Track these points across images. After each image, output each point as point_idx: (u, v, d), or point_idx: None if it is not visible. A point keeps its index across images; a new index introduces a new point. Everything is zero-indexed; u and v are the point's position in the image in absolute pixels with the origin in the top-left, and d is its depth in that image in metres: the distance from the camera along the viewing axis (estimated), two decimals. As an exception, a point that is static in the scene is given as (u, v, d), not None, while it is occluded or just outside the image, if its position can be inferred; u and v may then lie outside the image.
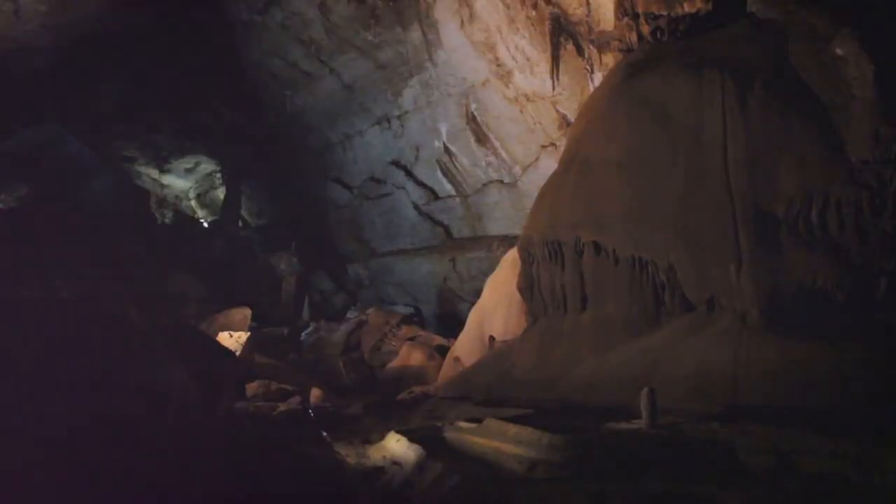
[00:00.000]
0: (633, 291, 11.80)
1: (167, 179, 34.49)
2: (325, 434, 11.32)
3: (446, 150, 24.10)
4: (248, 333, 20.43)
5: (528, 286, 13.96)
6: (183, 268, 26.31)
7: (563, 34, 17.88)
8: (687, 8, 13.29)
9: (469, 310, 19.74)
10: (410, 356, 20.66)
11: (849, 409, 8.65)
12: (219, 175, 34.46)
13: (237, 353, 17.13)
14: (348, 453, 9.89)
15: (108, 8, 23.27)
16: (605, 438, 8.10)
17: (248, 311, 23.36)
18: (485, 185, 23.77)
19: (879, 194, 10.29)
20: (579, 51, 17.75)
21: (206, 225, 34.15)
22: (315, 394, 16.80)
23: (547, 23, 17.92)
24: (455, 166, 24.18)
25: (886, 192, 10.32)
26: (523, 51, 19.30)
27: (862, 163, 10.49)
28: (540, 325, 13.56)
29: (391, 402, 15.28)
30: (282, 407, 14.69)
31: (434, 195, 25.86)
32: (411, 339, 22.33)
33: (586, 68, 17.76)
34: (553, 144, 20.35)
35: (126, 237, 25.07)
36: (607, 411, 9.56)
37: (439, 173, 24.99)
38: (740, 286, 10.52)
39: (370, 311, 25.07)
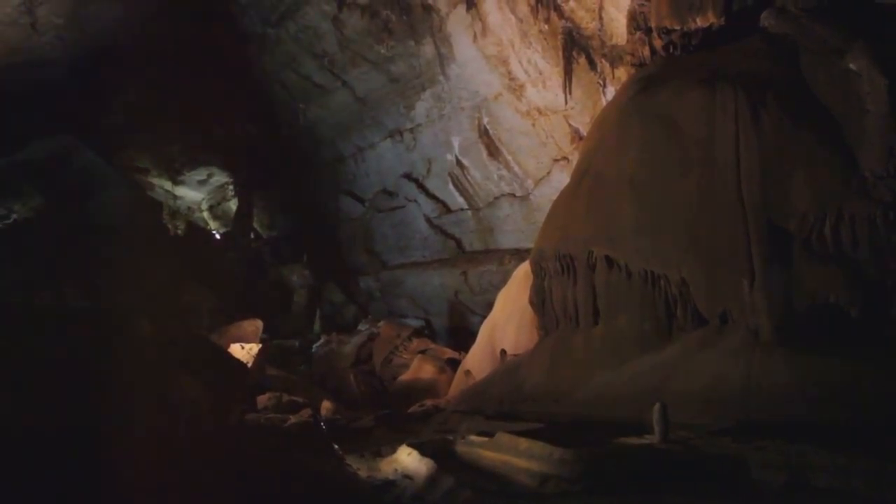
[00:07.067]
0: (644, 306, 11.76)
1: (180, 191, 34.55)
2: (336, 447, 11.30)
3: (458, 163, 24.15)
4: (260, 345, 20.43)
5: (539, 300, 13.94)
6: (195, 279, 26.36)
7: (575, 48, 17.96)
8: (699, 22, 13.30)
9: (480, 323, 19.74)
10: (421, 369, 20.64)
11: (862, 425, 8.59)
12: (231, 187, 34.52)
13: (249, 365, 17.14)
14: (359, 466, 9.88)
15: (123, 20, 23.46)
16: (617, 453, 8.07)
17: (259, 323, 23.36)
18: (497, 198, 23.80)
19: (894, 208, 10.23)
20: (592, 65, 17.80)
21: (218, 237, 34.18)
22: (326, 406, 16.80)
23: (559, 37, 18.00)
24: (467, 179, 24.22)
25: (901, 206, 10.27)
26: (536, 64, 19.37)
27: (876, 177, 10.45)
28: (551, 339, 13.53)
29: (402, 415, 15.26)
30: (293, 419, 14.67)
31: (446, 208, 25.90)
32: (422, 351, 22.31)
33: (599, 82, 17.81)
34: (565, 158, 20.39)
35: (138, 248, 25.13)
36: (619, 426, 9.52)
37: (451, 186, 25.04)
38: (753, 301, 10.47)
39: (381, 323, 25.05)
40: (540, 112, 20.43)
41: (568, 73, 18.22)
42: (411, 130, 25.40)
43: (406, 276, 28.38)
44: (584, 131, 18.78)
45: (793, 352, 9.89)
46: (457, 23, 20.84)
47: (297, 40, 25.54)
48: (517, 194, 23.07)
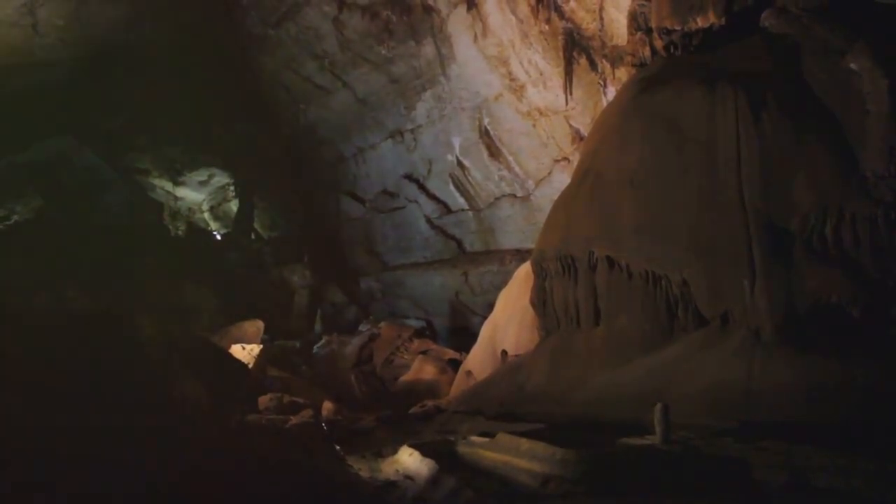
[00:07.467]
0: (646, 306, 11.75)
1: (181, 192, 34.61)
2: (337, 447, 11.30)
3: (459, 163, 24.15)
4: (261, 346, 20.44)
5: (540, 300, 13.94)
6: (196, 280, 26.37)
7: (576, 49, 17.95)
8: (700, 23, 13.29)
9: (481, 323, 19.72)
10: (422, 370, 20.64)
11: (864, 426, 8.59)
12: (232, 188, 34.57)
13: (250, 366, 17.15)
14: (361, 467, 9.87)
15: (124, 22, 23.48)
16: (619, 454, 8.06)
17: (260, 324, 23.38)
18: (497, 198, 23.80)
19: (894, 208, 10.23)
20: (592, 65, 17.79)
21: (218, 237, 34.22)
22: (327, 407, 16.79)
23: (560, 37, 17.99)
24: (468, 180, 24.22)
25: (902, 206, 10.26)
26: (536, 65, 19.36)
27: (877, 177, 10.45)
28: (553, 340, 13.53)
29: (403, 415, 15.24)
30: (294, 420, 14.67)
31: (447, 209, 25.90)
32: (423, 352, 22.30)
33: (599, 83, 17.80)
34: (566, 159, 20.38)
35: (139, 249, 25.16)
36: (620, 427, 9.51)
37: (452, 187, 25.04)
38: (754, 301, 10.47)
39: (382, 324, 25.04)
40: (541, 112, 20.42)
41: (568, 74, 18.21)
42: (412, 131, 25.41)
43: (407, 277, 28.38)
44: (584, 132, 18.77)
45: (794, 352, 9.89)
46: (457, 23, 20.85)
47: (298, 41, 25.54)
48: (518, 195, 23.07)
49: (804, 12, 12.21)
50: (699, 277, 11.07)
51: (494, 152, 22.75)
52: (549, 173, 21.43)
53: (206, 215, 36.21)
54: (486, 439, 9.09)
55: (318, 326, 27.49)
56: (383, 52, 23.66)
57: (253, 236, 33.71)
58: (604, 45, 17.42)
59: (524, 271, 17.10)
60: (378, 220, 29.08)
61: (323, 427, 14.13)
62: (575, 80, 18.30)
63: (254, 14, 25.66)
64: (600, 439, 8.79)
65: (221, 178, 34.36)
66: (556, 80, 18.96)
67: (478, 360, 17.98)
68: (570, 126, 19.89)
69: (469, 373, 17.84)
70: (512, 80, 20.49)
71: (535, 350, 14.15)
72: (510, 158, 22.38)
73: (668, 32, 13.72)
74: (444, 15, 21.13)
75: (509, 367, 15.04)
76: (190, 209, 35.81)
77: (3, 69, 22.33)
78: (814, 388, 9.34)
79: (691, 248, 11.19)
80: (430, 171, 25.70)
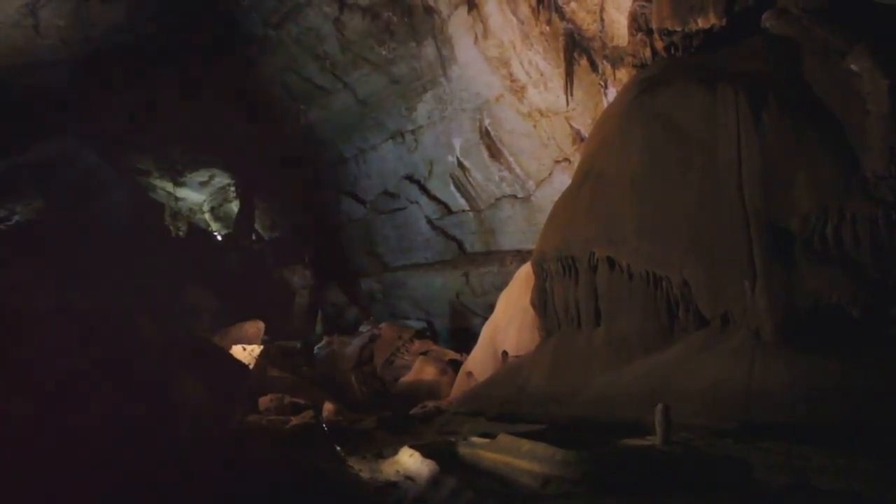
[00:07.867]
0: (646, 307, 11.75)
1: (181, 192, 34.59)
2: (338, 448, 11.30)
3: (460, 164, 24.16)
4: (261, 347, 20.46)
5: (541, 301, 13.94)
6: (197, 281, 26.39)
7: (576, 49, 17.96)
8: (701, 24, 13.30)
9: (482, 324, 19.72)
10: (423, 370, 20.64)
11: (864, 426, 8.58)
12: (233, 188, 34.57)
13: (250, 367, 17.16)
14: (361, 468, 9.88)
15: (125, 22, 23.47)
16: (619, 454, 8.06)
17: (261, 325, 23.40)
18: (498, 199, 23.82)
19: (895, 209, 10.23)
20: (593, 66, 17.80)
21: (219, 238, 34.24)
22: (328, 408, 16.81)
23: (561, 38, 18.00)
24: (468, 181, 24.23)
25: (902, 206, 10.25)
26: (537, 66, 19.36)
27: (877, 177, 10.44)
28: (553, 341, 13.52)
29: (404, 416, 15.25)
30: (294, 421, 14.70)
31: (447, 210, 25.91)
32: (424, 353, 22.31)
33: (600, 84, 17.80)
34: (567, 159, 20.39)
35: (140, 250, 25.16)
36: (621, 427, 9.52)
37: (453, 188, 25.06)
38: (754, 302, 10.46)
39: (383, 325, 25.06)
40: (541, 113, 20.43)
41: (569, 75, 18.21)
42: (413, 132, 25.43)
43: (408, 278, 28.40)
44: (585, 132, 18.79)
45: (794, 352, 9.88)
46: (458, 24, 20.85)
47: (299, 42, 25.54)
48: (518, 195, 23.08)
49: (805, 13, 12.21)
50: (699, 278, 11.07)
51: (495, 153, 22.76)
52: (550, 174, 21.45)
53: (207, 216, 36.22)
54: (487, 440, 9.10)
55: (318, 327, 27.52)
56: (384, 53, 23.67)
57: (254, 237, 33.71)
58: (604, 46, 17.42)
59: (525, 272, 17.10)
60: (379, 221, 29.10)
61: (323, 428, 14.14)
62: (576, 81, 18.30)
63: (255, 15, 25.65)
64: (601, 440, 8.80)
65: (222, 179, 34.36)
66: (557, 81, 18.96)
67: (478, 361, 17.98)
68: (571, 127, 19.91)
69: (470, 374, 17.84)
70: (513, 81, 20.50)
71: (536, 351, 14.15)
72: (511, 159, 22.39)
73: (669, 33, 13.73)
74: (444, 16, 21.14)
75: (510, 367, 15.03)
76: (191, 210, 35.81)
77: (4, 69, 22.33)
78: (814, 388, 9.33)
79: (692, 248, 11.19)
80: (430, 171, 25.72)
